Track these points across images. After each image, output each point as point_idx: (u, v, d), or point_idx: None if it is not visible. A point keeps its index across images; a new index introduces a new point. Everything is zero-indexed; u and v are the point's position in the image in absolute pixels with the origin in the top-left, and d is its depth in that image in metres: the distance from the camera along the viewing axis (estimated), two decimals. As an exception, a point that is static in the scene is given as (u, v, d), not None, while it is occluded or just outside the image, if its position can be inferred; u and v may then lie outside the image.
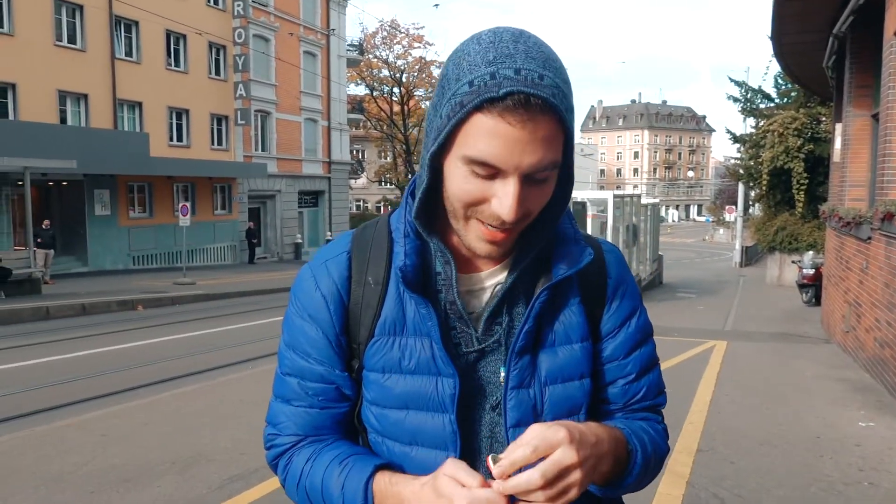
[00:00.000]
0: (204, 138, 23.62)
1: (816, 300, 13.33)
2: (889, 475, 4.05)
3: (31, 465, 4.33)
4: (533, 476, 0.77)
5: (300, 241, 28.15)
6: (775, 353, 8.20)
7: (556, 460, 0.78)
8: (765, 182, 18.78)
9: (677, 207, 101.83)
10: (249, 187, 25.67)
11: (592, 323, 1.00)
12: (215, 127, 24.29)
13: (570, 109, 0.83)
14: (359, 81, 37.02)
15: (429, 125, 0.88)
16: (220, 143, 24.50)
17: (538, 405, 0.95)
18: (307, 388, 1.00)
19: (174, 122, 22.68)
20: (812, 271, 13.88)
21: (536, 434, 0.79)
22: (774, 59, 12.36)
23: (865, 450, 4.51)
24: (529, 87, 0.78)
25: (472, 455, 0.94)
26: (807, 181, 17.63)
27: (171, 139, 22.49)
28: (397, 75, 36.30)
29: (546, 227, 0.94)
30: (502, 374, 0.94)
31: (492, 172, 0.82)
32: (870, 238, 7.12)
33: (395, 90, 36.84)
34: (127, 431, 5.03)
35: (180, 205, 18.04)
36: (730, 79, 32.61)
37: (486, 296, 0.97)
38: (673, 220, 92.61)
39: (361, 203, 50.12)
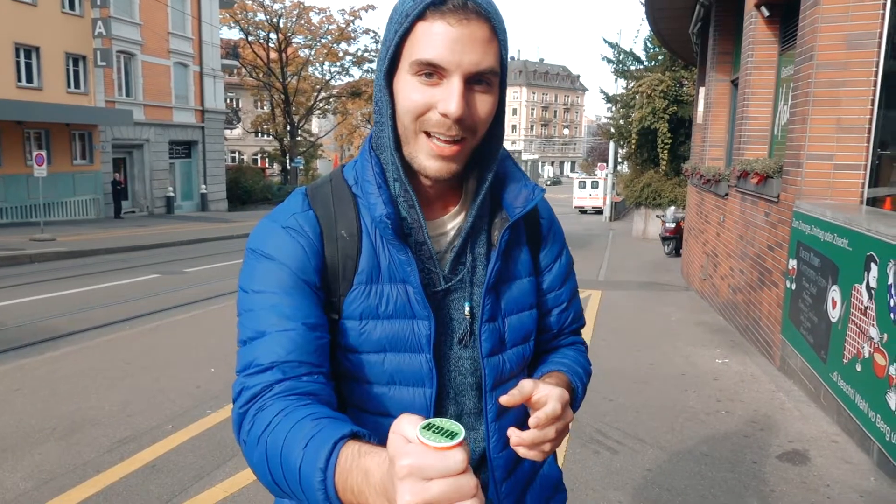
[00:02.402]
0: (59, 80, 21.41)
1: (677, 252, 14.48)
2: (742, 404, 4.60)
3: None
4: (549, 432, 0.90)
5: (172, 194, 26.50)
6: (644, 301, 8.90)
7: (567, 420, 0.93)
8: (633, 141, 19.85)
9: (552, 164, 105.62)
10: (113, 135, 23.69)
11: (534, 259, 1.13)
12: (72, 68, 22.05)
13: (503, 30, 0.93)
14: (232, 25, 34.80)
15: (380, 56, 0.96)
16: (77, 87, 22.33)
17: (503, 335, 1.06)
18: (286, 313, 0.93)
19: (22, 60, 20.35)
20: (673, 225, 15.01)
21: (557, 394, 0.91)
22: (645, 22, 13.01)
23: (722, 383, 5.07)
24: None
25: (442, 388, 1.02)
26: (670, 141, 18.86)
27: (20, 80, 20.18)
28: (274, 20, 34.49)
29: (488, 161, 1.02)
30: (466, 310, 1.03)
31: (437, 73, 0.90)
32: (727, 194, 7.83)
33: (272, 36, 35.06)
34: (-4, 398, 4.68)
35: (35, 153, 16.35)
36: (604, 40, 33.89)
37: (447, 239, 1.04)
38: (548, 176, 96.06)
39: (237, 155, 47.80)
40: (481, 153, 1.01)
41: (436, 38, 0.88)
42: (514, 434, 0.90)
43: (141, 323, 7.54)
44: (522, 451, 0.91)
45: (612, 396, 4.68)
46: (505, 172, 1.07)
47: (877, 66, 4.74)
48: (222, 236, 17.95)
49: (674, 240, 15.00)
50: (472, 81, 0.91)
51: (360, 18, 38.05)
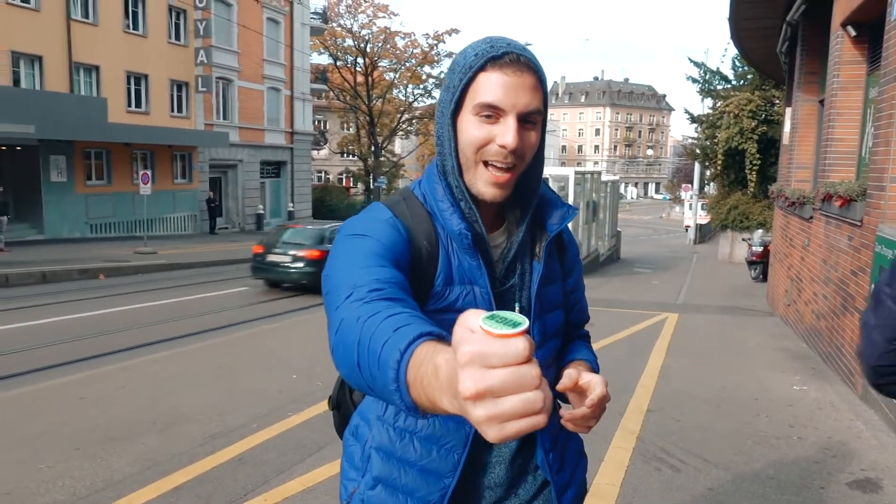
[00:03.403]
0: (163, 105, 23.12)
1: (764, 276, 13.98)
2: (815, 430, 4.50)
3: (11, 424, 4.46)
4: (596, 411, 1.10)
5: (262, 211, 27.90)
6: (722, 325, 8.70)
7: (607, 400, 1.13)
8: (719, 162, 19.35)
9: (636, 185, 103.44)
10: (210, 156, 25.27)
11: (560, 266, 1.37)
12: (175, 93, 23.77)
13: (545, 81, 1.15)
14: (322, 50, 36.37)
15: (441, 100, 1.17)
16: (180, 111, 24.02)
17: (546, 329, 1.28)
18: (380, 263, 1.05)
19: (132, 87, 22.11)
20: (760, 249, 14.53)
21: (599, 379, 1.11)
22: (732, 42, 12.78)
23: (797, 409, 4.96)
24: (519, 50, 1.11)
25: None
26: (759, 162, 18.25)
27: (130, 105, 21.95)
28: (361, 45, 35.78)
29: (531, 186, 1.24)
30: (517, 308, 1.24)
31: (496, 114, 1.10)
32: (811, 217, 7.60)
33: (360, 60, 36.37)
34: (105, 394, 5.18)
35: (141, 173, 17.73)
36: (689, 59, 33.17)
37: (499, 251, 1.26)
38: (631, 198, 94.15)
39: (323, 174, 49.61)
40: (523, 179, 1.20)
41: (495, 85, 1.08)
42: (567, 412, 1.13)
43: (231, 331, 8.08)
44: (571, 427, 1.13)
45: (680, 417, 4.67)
46: (541, 196, 1.28)
47: (966, 87, 4.59)
48: (307, 252, 18.74)
49: (761, 264, 14.51)
50: (523, 120, 1.11)
51: (444, 42, 38.99)
